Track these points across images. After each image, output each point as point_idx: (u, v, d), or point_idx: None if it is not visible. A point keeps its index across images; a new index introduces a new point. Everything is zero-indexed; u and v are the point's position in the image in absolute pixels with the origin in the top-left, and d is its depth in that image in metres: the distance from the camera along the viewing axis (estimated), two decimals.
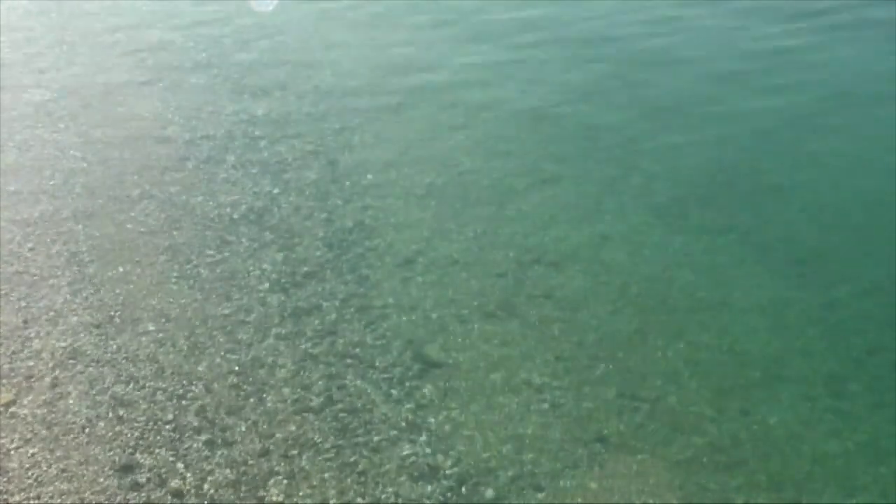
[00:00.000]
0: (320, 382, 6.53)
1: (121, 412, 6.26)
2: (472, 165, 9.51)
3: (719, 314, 7.15)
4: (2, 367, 6.68)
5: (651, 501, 5.53)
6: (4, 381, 6.55)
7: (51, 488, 5.64)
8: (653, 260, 7.86)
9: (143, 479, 5.70)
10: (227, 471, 5.78)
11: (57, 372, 6.64)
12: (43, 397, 6.39)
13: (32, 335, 7.03)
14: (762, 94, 11.04)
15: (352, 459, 5.86)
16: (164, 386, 6.51)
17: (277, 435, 6.06)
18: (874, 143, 9.71)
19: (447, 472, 5.75)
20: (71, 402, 6.35)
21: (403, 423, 6.14)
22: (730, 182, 9.08)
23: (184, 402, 6.36)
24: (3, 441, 6.01)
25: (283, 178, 9.35)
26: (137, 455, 5.90)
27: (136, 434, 6.07)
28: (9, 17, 14.44)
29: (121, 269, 7.85)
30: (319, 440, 6.01)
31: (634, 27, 13.36)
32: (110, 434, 6.07)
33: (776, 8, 13.79)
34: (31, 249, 8.16)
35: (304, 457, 5.88)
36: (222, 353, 6.83)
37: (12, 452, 5.92)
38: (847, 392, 6.31)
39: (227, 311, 7.31)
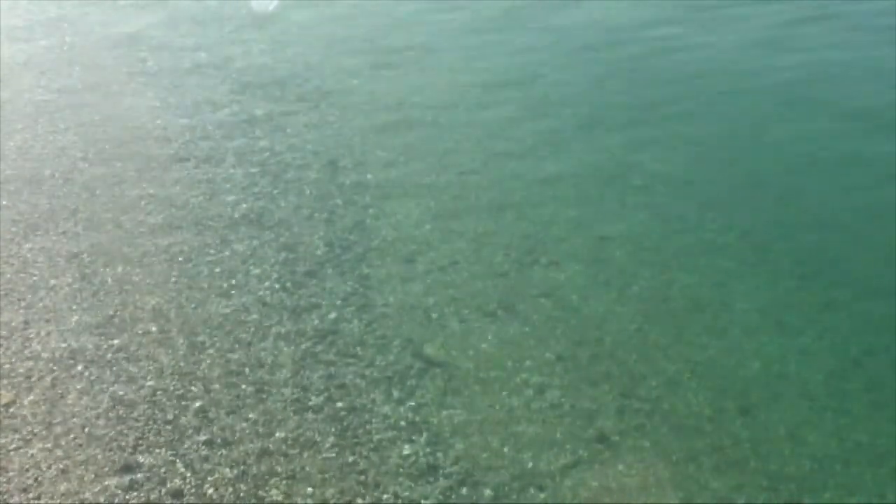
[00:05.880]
0: (320, 382, 6.53)
1: (120, 412, 6.26)
2: None
3: (719, 314, 7.15)
4: (2, 367, 6.68)
5: (651, 501, 5.53)
6: (5, 381, 6.55)
7: (51, 489, 5.64)
8: (652, 260, 7.87)
9: (143, 479, 5.70)
10: (227, 470, 5.78)
11: (57, 372, 6.64)
12: (43, 397, 6.39)
13: (32, 335, 7.03)
14: (761, 91, 11.05)
15: (351, 459, 5.86)
16: (163, 386, 6.51)
17: (277, 434, 6.06)
18: (874, 144, 9.70)
19: (447, 471, 5.75)
20: (71, 402, 6.35)
21: (403, 423, 6.14)
22: (730, 182, 9.08)
23: (183, 402, 6.35)
24: (2, 441, 6.01)
25: None
26: (137, 455, 5.90)
27: (136, 434, 6.07)
28: (9, 17, 14.43)
29: (120, 269, 7.85)
30: (319, 439, 6.02)
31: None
32: (110, 434, 6.07)
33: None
34: (31, 250, 8.16)
35: (304, 456, 5.88)
36: (222, 353, 6.83)
37: (12, 452, 5.92)
38: (846, 392, 6.31)
39: (226, 311, 7.31)
